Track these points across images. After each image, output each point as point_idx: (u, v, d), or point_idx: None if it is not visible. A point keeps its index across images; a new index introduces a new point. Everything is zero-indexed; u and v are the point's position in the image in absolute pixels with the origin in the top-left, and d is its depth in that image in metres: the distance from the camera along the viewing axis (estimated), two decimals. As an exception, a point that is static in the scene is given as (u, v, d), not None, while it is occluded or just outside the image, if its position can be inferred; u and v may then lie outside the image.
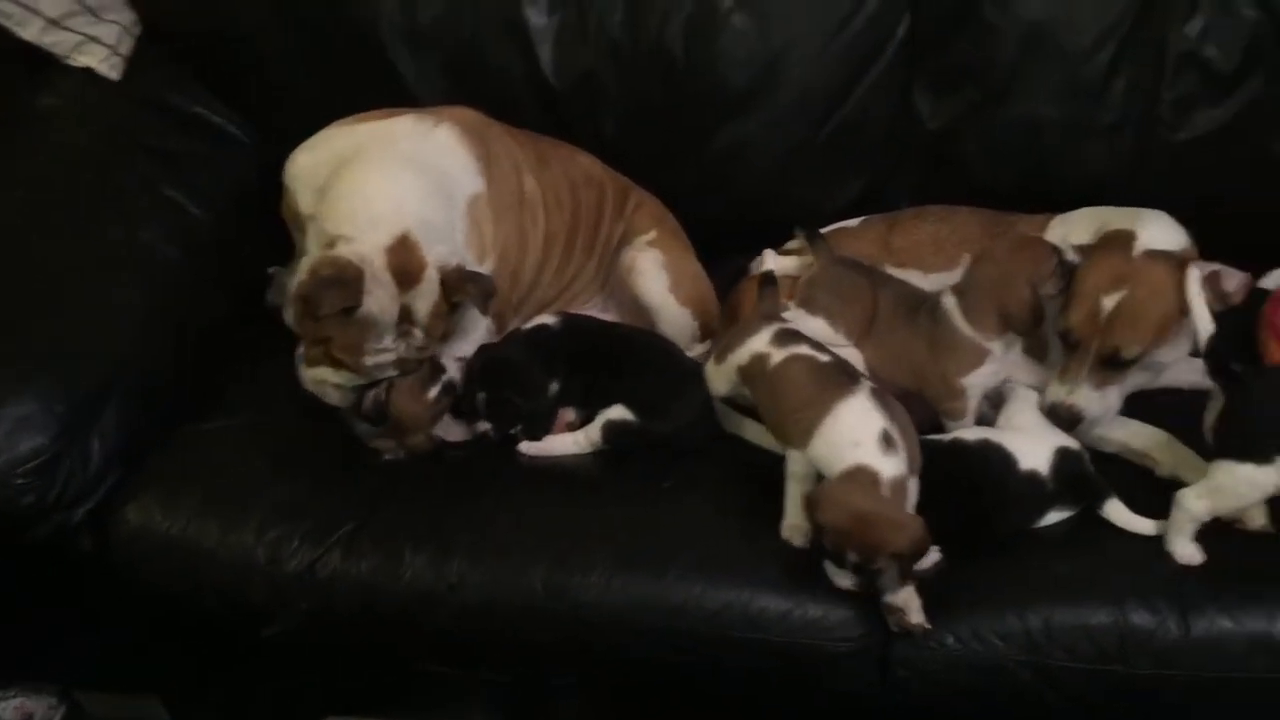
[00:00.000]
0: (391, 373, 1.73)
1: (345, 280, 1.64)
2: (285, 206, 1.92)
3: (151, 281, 1.89)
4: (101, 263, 1.87)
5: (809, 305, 1.88)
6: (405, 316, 1.70)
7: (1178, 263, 1.71)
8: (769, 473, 1.75)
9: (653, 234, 2.05)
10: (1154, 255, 1.72)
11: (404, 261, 1.68)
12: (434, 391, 1.77)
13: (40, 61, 2.09)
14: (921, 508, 1.61)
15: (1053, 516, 1.67)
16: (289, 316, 1.86)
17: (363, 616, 1.69)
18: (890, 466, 1.54)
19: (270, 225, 1.95)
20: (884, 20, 2.06)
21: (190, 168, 2.10)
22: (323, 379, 1.74)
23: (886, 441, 1.55)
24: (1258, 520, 1.63)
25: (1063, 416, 1.73)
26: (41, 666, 1.98)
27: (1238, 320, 1.89)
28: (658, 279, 2.00)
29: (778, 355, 1.72)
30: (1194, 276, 1.64)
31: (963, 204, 2.08)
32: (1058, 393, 1.75)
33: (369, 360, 1.69)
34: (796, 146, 2.14)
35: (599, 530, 1.69)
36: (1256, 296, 1.98)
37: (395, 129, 1.85)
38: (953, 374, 1.78)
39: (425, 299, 1.71)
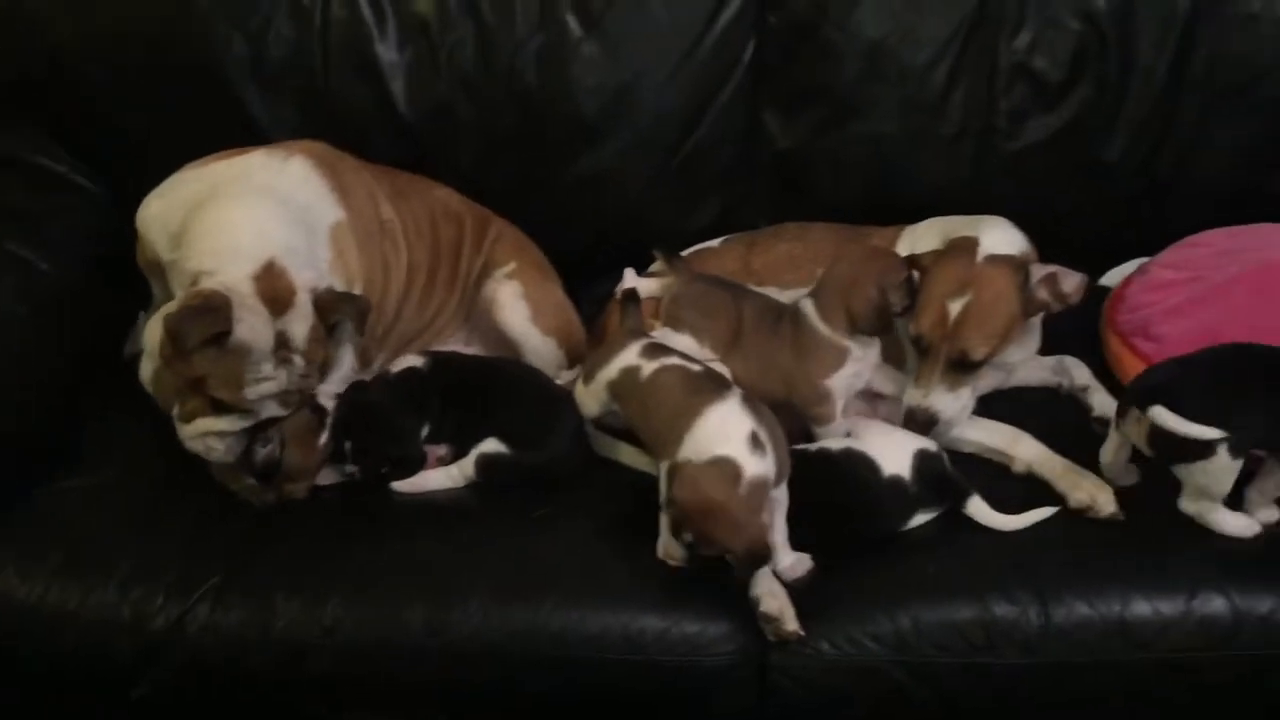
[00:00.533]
0: (275, 406, 1.68)
1: (212, 307, 1.60)
2: (140, 255, 1.87)
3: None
4: (-56, 323, 1.81)
5: (674, 323, 1.91)
6: (282, 343, 1.66)
7: (1017, 265, 1.78)
8: (643, 494, 1.77)
9: (512, 265, 2.05)
10: (995, 260, 1.78)
11: (273, 287, 1.65)
12: (324, 438, 1.74)
13: None
14: (792, 516, 1.65)
15: (919, 519, 1.72)
16: (145, 372, 1.81)
17: (236, 669, 1.65)
18: (754, 465, 1.56)
19: (131, 277, 1.91)
20: (730, 44, 2.12)
21: (39, 223, 2.04)
22: (204, 430, 1.68)
23: (754, 442, 1.57)
24: (1107, 508, 1.70)
25: (920, 420, 1.79)
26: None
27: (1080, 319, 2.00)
28: (519, 310, 2.00)
29: (649, 367, 1.74)
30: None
31: (817, 220, 2.14)
32: (913, 397, 1.80)
33: (250, 392, 1.64)
34: (653, 171, 2.18)
35: (476, 563, 1.69)
36: (1097, 294, 2.09)
37: (247, 165, 1.83)
38: (817, 376, 1.83)
39: (301, 323, 1.67)
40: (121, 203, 2.10)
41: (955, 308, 1.75)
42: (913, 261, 1.84)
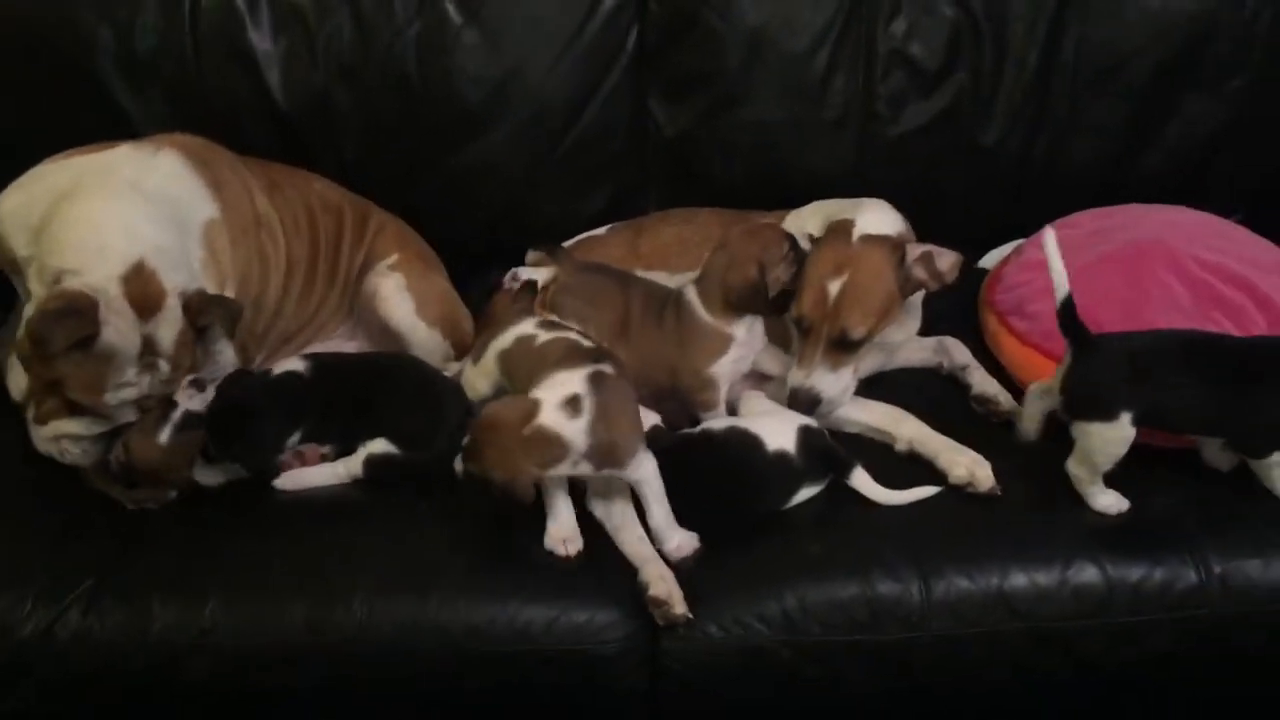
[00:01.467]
0: (133, 412, 1.64)
1: (78, 309, 1.55)
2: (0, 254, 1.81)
3: None
4: None
5: (561, 314, 1.90)
6: (149, 348, 1.61)
7: (893, 245, 1.81)
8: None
9: (394, 257, 2.02)
10: (871, 240, 1.81)
11: (142, 290, 1.60)
12: (166, 431, 1.68)
13: None
14: (680, 496, 1.67)
15: (804, 493, 1.72)
16: (12, 377, 1.75)
17: (110, 677, 1.59)
18: (554, 419, 1.57)
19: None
20: (612, 32, 2.12)
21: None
22: (59, 433, 1.64)
23: (571, 404, 1.59)
24: (985, 483, 1.73)
25: (803, 400, 1.81)
26: None
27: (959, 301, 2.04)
28: (403, 303, 1.98)
29: (544, 336, 1.75)
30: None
31: (704, 206, 2.15)
32: (796, 378, 1.82)
33: (110, 397, 1.60)
34: (538, 160, 2.17)
35: (359, 559, 1.66)
36: (976, 275, 2.13)
37: (113, 159, 1.77)
38: (701, 364, 1.84)
39: (169, 327, 1.63)
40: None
41: (834, 288, 1.78)
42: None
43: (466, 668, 1.62)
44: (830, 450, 1.73)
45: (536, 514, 1.70)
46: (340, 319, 2.06)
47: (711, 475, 1.73)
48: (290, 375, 1.81)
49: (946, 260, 1.81)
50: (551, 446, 1.58)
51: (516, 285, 1.96)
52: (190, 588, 1.61)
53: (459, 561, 1.67)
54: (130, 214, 1.67)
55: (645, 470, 1.64)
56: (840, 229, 1.83)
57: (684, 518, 1.69)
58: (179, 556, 1.66)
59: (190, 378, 1.69)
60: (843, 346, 1.80)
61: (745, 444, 1.73)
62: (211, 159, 1.86)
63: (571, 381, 1.62)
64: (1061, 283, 1.65)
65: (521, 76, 2.11)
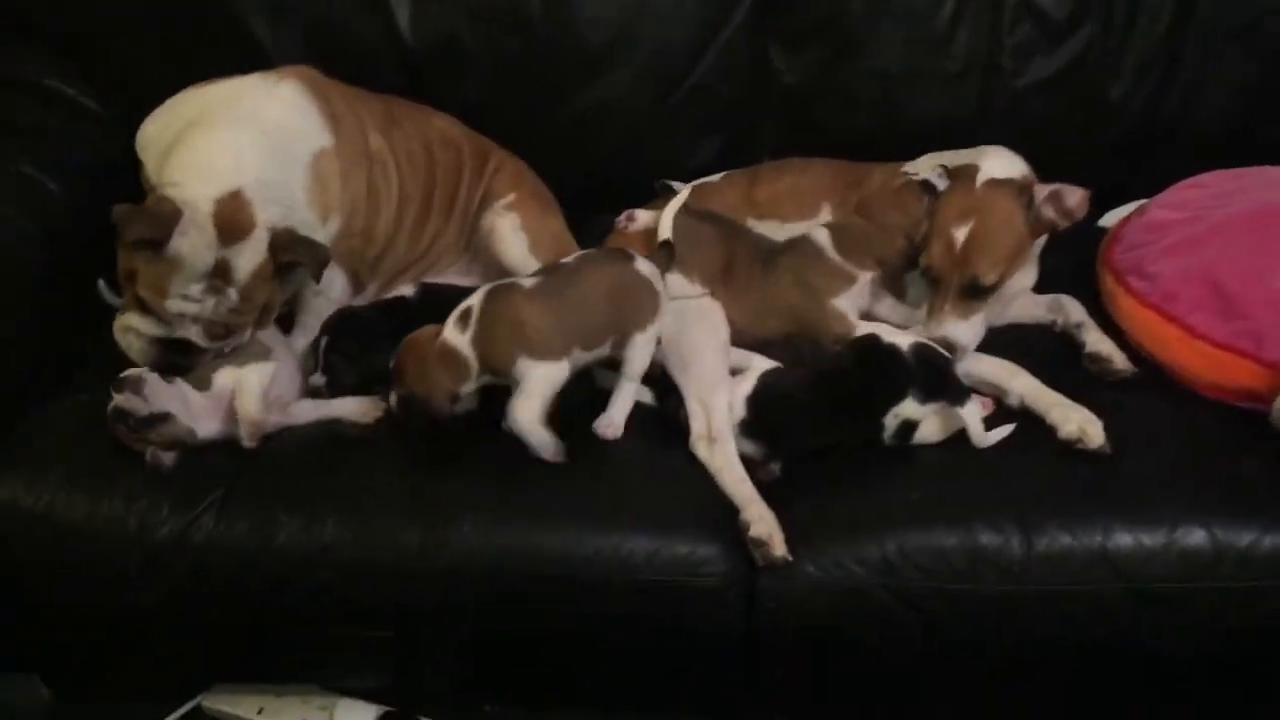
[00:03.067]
0: (196, 331, 1.71)
1: (159, 214, 1.64)
2: (143, 179, 1.90)
3: (6, 257, 1.85)
4: (-47, 240, 1.83)
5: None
6: (221, 271, 1.68)
7: (1019, 188, 1.80)
8: (638, 423, 1.81)
9: (511, 196, 2.07)
10: (996, 184, 1.80)
11: (232, 216, 1.68)
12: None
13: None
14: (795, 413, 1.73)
15: (908, 405, 1.72)
16: None
17: (238, 581, 1.69)
18: (451, 333, 1.70)
19: (138, 199, 1.92)
20: (736, -22, 2.12)
21: (46, 143, 2.05)
22: (127, 325, 1.73)
23: (464, 318, 1.71)
24: (1096, 440, 1.72)
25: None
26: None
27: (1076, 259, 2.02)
28: (517, 242, 2.02)
29: None
30: None
31: (819, 155, 2.15)
32: (928, 330, 1.82)
33: (171, 305, 1.67)
34: (655, 104, 2.19)
35: (468, 486, 1.72)
36: (1095, 234, 2.10)
37: (239, 89, 1.85)
38: (826, 297, 1.85)
39: (249, 258, 1.70)
40: (129, 127, 2.13)
41: (961, 235, 1.77)
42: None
43: (567, 595, 1.68)
44: (948, 373, 1.74)
45: (641, 451, 1.76)
46: (456, 254, 2.11)
47: (831, 387, 1.76)
48: (398, 299, 1.91)
49: (1075, 196, 1.79)
50: (454, 361, 1.69)
51: (631, 226, 1.99)
52: (312, 504, 1.69)
53: (566, 491, 1.71)
54: (242, 143, 1.75)
55: (529, 375, 1.69)
56: (964, 175, 1.83)
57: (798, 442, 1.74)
58: (302, 474, 1.74)
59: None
60: (973, 294, 1.79)
61: (864, 340, 1.78)
62: (330, 92, 1.92)
63: (473, 299, 1.71)
64: None
65: (643, 20, 2.12)
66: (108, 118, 2.16)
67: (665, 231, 1.85)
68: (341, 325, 1.86)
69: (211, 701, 1.99)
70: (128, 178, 1.93)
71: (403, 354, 1.73)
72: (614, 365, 1.82)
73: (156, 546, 1.67)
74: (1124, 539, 1.63)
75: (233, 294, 1.70)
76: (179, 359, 1.75)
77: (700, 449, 1.75)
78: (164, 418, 1.69)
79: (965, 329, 1.81)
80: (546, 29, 2.11)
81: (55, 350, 1.88)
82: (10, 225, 1.88)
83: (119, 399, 1.68)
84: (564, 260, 1.82)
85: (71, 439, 1.76)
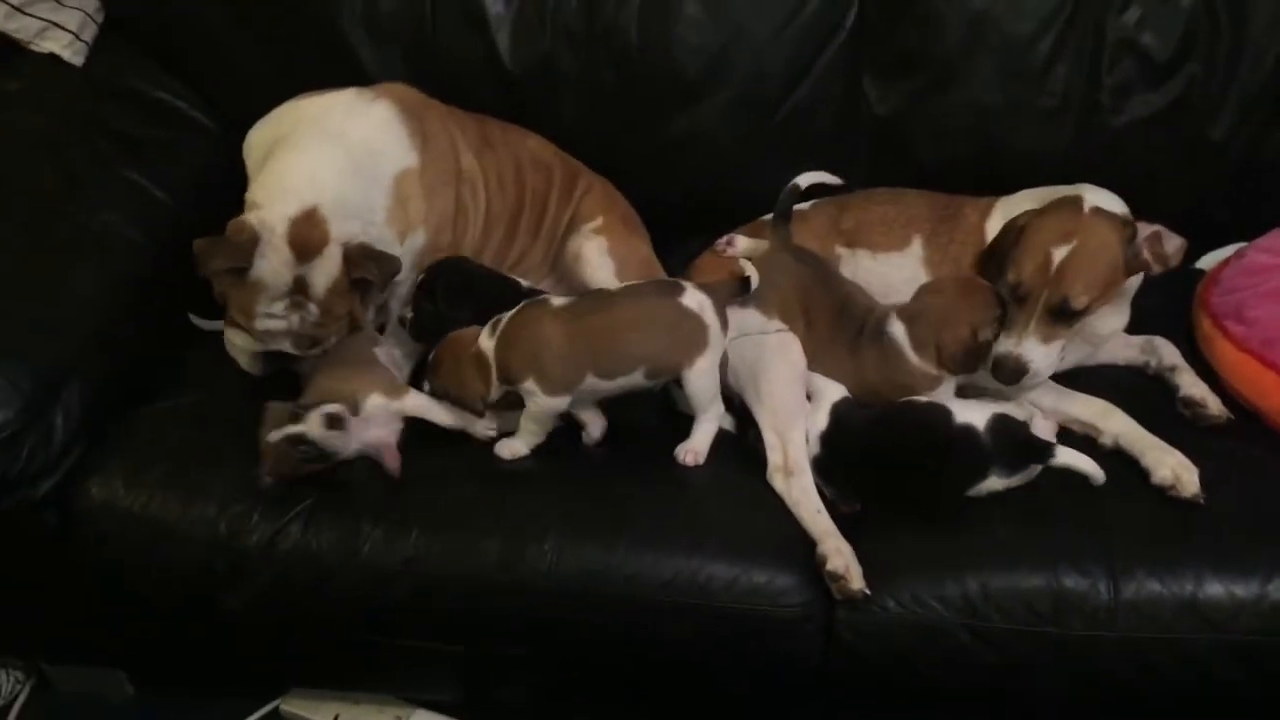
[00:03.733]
0: (286, 344, 1.77)
1: (237, 243, 1.70)
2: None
3: (113, 262, 1.91)
4: (64, 244, 1.89)
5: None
6: (300, 288, 1.73)
7: (1123, 221, 1.78)
8: (721, 446, 1.82)
9: (599, 220, 2.09)
10: (1102, 212, 1.78)
11: (306, 233, 1.72)
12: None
13: (4, 48, 2.11)
14: (869, 462, 1.73)
15: (994, 480, 1.68)
16: None
17: (322, 589, 1.72)
18: (484, 339, 1.78)
19: (236, 210, 1.98)
20: (832, 10, 2.13)
21: (153, 152, 2.12)
22: (231, 340, 1.84)
23: (494, 326, 1.78)
24: (1190, 488, 1.69)
25: (1009, 368, 1.77)
26: (7, 641, 2.01)
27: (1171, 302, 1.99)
28: (603, 266, 2.04)
29: None
30: None
31: (911, 186, 2.14)
32: (1004, 345, 1.78)
33: (259, 324, 1.75)
34: (749, 133, 2.19)
35: (551, 503, 1.74)
36: (1191, 277, 2.06)
37: (332, 104, 1.90)
38: (914, 394, 1.82)
39: (324, 273, 1.74)
40: (236, 140, 2.19)
41: (1059, 254, 1.74)
42: (1011, 222, 1.84)
43: (646, 617, 1.69)
44: (1027, 438, 1.69)
45: (725, 478, 1.77)
46: (542, 274, 2.14)
47: (902, 447, 1.73)
48: (514, 281, 1.97)
49: (1174, 243, 1.76)
50: (482, 364, 1.76)
51: (730, 250, 2.00)
52: (396, 517, 1.72)
53: (647, 512, 1.73)
54: (323, 162, 1.80)
55: (530, 401, 1.76)
56: (1069, 201, 1.81)
57: (873, 490, 1.73)
58: (386, 487, 1.76)
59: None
60: (1059, 317, 1.76)
61: (935, 413, 1.72)
62: (424, 111, 1.97)
63: (508, 311, 1.79)
64: None
65: (739, 49, 2.13)
66: (215, 130, 2.23)
67: (749, 267, 1.84)
68: (442, 275, 1.90)
69: (289, 705, 2.04)
70: (232, 189, 1.98)
71: (442, 349, 1.81)
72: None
73: (245, 552, 1.71)
74: (1215, 589, 1.60)
75: (313, 309, 1.75)
76: (279, 364, 1.84)
77: (777, 481, 1.75)
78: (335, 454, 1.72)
79: (1043, 353, 1.77)
80: (643, 56, 2.13)
81: (156, 355, 1.94)
82: (118, 231, 1.95)
83: (318, 433, 1.69)
84: (615, 287, 1.85)
85: (170, 442, 1.81)
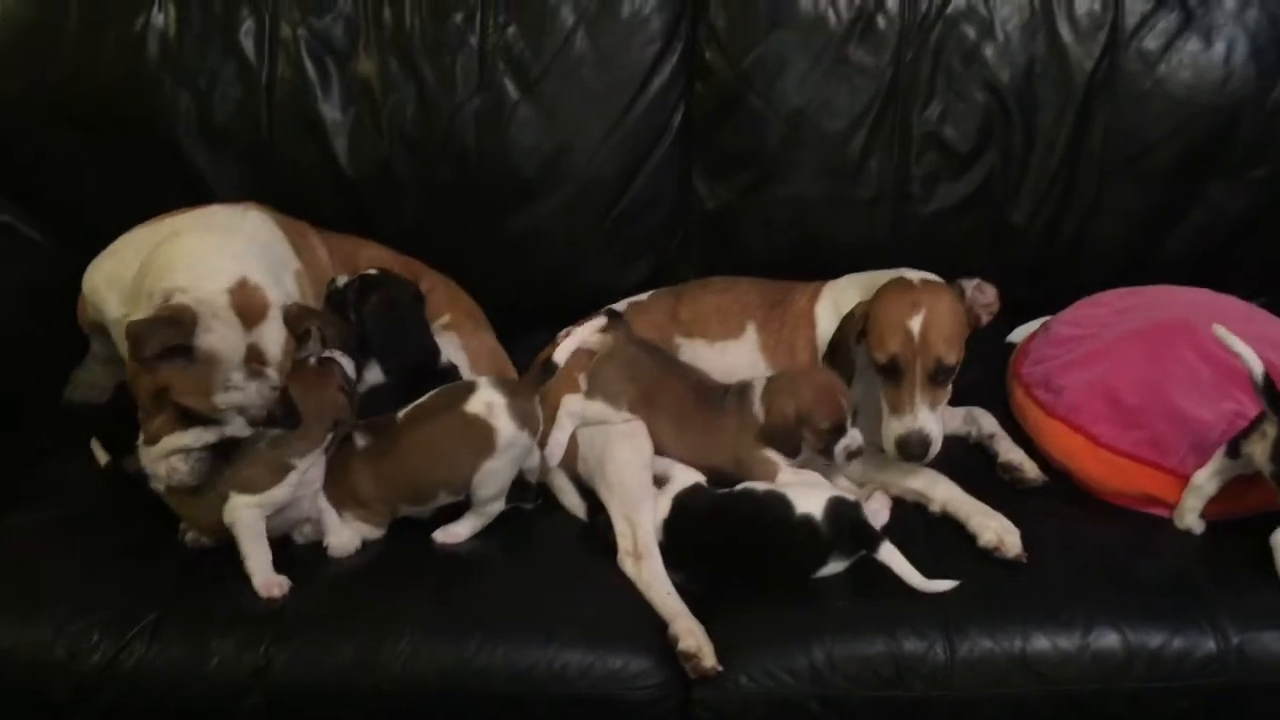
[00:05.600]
0: (241, 423, 1.67)
1: (177, 320, 1.61)
2: (82, 316, 1.90)
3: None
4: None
5: (596, 379, 1.95)
6: (255, 355, 1.66)
7: (950, 284, 1.92)
8: (573, 536, 1.85)
9: (446, 317, 2.12)
10: (931, 281, 1.93)
11: (247, 300, 1.66)
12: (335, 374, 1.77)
13: None
14: (713, 552, 1.78)
15: (832, 565, 1.76)
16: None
17: (170, 708, 1.67)
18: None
19: (70, 325, 1.95)
20: (659, 112, 2.24)
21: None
22: (170, 448, 1.67)
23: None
24: (1013, 549, 1.78)
25: (916, 444, 1.85)
26: None
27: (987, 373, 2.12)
28: (457, 360, 2.06)
29: None
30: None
31: (744, 274, 2.24)
32: (901, 425, 1.86)
33: (220, 400, 1.63)
34: (585, 229, 2.27)
35: (405, 600, 1.73)
36: (1004, 350, 2.21)
37: (205, 211, 1.91)
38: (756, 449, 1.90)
39: (273, 337, 1.68)
40: (65, 252, 2.16)
41: (916, 323, 1.84)
42: (848, 316, 1.94)
43: (504, 710, 1.68)
44: (860, 523, 1.76)
45: (576, 561, 1.80)
46: None
47: (743, 536, 1.79)
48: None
49: (990, 291, 1.92)
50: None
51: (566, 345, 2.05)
52: (246, 624, 1.68)
53: (500, 606, 1.73)
54: (234, 243, 1.77)
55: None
56: (897, 280, 1.94)
57: (716, 572, 1.77)
58: (237, 594, 1.72)
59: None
60: (937, 380, 1.86)
61: (776, 504, 1.78)
62: (288, 223, 1.99)
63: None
64: (1253, 361, 1.72)
65: (573, 150, 2.22)
66: (40, 243, 2.19)
67: (560, 357, 1.87)
68: (378, 294, 1.96)
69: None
70: (60, 303, 1.95)
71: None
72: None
73: (87, 674, 1.65)
74: (1041, 643, 1.68)
75: (272, 373, 1.67)
76: (224, 458, 1.71)
77: (628, 565, 1.79)
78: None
79: (935, 420, 1.86)
80: (480, 158, 2.20)
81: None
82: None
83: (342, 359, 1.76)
84: (400, 413, 1.86)
85: (5, 564, 1.75)
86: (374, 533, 1.83)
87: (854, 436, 1.86)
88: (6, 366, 1.98)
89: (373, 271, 2.02)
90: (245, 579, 1.73)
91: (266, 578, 1.72)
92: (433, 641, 1.68)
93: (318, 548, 1.81)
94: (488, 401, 1.80)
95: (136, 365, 1.64)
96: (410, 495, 1.83)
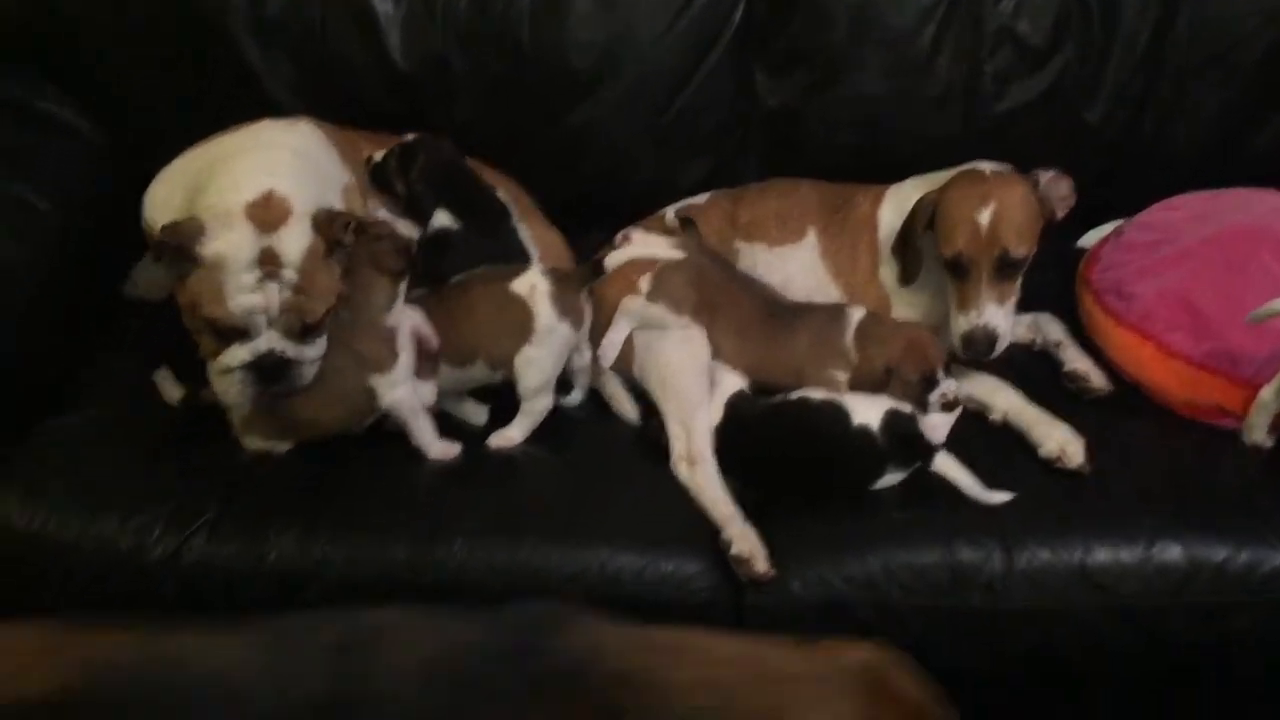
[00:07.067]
0: (274, 335, 1.64)
1: (181, 230, 1.62)
2: (148, 236, 1.89)
3: (-2, 278, 1.87)
4: (-54, 260, 1.85)
5: (661, 286, 1.91)
6: (268, 258, 1.62)
7: (1025, 174, 1.86)
8: (623, 439, 1.84)
9: (515, 211, 2.08)
10: (1002, 173, 1.87)
11: (264, 210, 1.63)
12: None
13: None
14: (768, 462, 1.76)
15: (888, 477, 1.74)
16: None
17: (229, 600, 1.70)
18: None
19: (129, 221, 1.94)
20: (720, 4, 2.15)
21: (37, 164, 2.05)
22: (220, 368, 1.67)
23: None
24: (1076, 459, 1.75)
25: (980, 341, 1.82)
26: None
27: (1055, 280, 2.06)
28: (529, 252, 2.02)
29: None
30: None
31: (804, 177, 2.18)
32: (967, 321, 1.83)
33: (234, 305, 1.61)
34: (643, 127, 2.21)
35: (459, 503, 1.74)
36: (1074, 255, 2.14)
37: (253, 128, 1.86)
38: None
39: (294, 242, 1.64)
40: (119, 148, 2.16)
41: (985, 216, 1.80)
42: (918, 204, 1.89)
43: (556, 611, 1.70)
44: (917, 435, 1.74)
45: (629, 466, 1.80)
46: None
47: (798, 446, 1.77)
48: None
49: (1066, 184, 1.86)
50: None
51: (627, 245, 2.01)
52: (304, 521, 1.71)
53: (554, 508, 1.75)
54: (272, 159, 1.73)
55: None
56: (970, 171, 1.88)
57: (771, 480, 1.75)
58: (295, 493, 1.75)
59: None
60: (1005, 273, 1.82)
61: (832, 414, 1.76)
62: (339, 135, 1.95)
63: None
64: None
65: (630, 44, 2.15)
66: (100, 140, 2.18)
67: (613, 261, 1.88)
68: (425, 154, 1.97)
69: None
70: (120, 200, 1.95)
71: None
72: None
73: (149, 567, 1.68)
74: (1102, 555, 1.66)
75: (289, 274, 1.63)
76: (277, 379, 1.68)
77: (681, 470, 1.78)
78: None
79: (1003, 315, 1.83)
80: (534, 53, 2.14)
81: (48, 371, 1.90)
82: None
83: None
84: (456, 278, 1.88)
85: (66, 459, 1.77)
86: (425, 389, 1.82)
87: (948, 386, 1.82)
88: (69, 262, 1.99)
89: (408, 137, 2.00)
90: (298, 479, 1.76)
91: (438, 446, 1.80)
92: (486, 543, 1.69)
93: (371, 453, 1.81)
94: (532, 284, 1.80)
95: (177, 285, 1.65)
96: (450, 350, 1.83)
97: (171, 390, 1.86)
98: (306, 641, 1.17)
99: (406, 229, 1.95)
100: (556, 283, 1.82)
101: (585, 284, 1.86)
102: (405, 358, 1.78)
